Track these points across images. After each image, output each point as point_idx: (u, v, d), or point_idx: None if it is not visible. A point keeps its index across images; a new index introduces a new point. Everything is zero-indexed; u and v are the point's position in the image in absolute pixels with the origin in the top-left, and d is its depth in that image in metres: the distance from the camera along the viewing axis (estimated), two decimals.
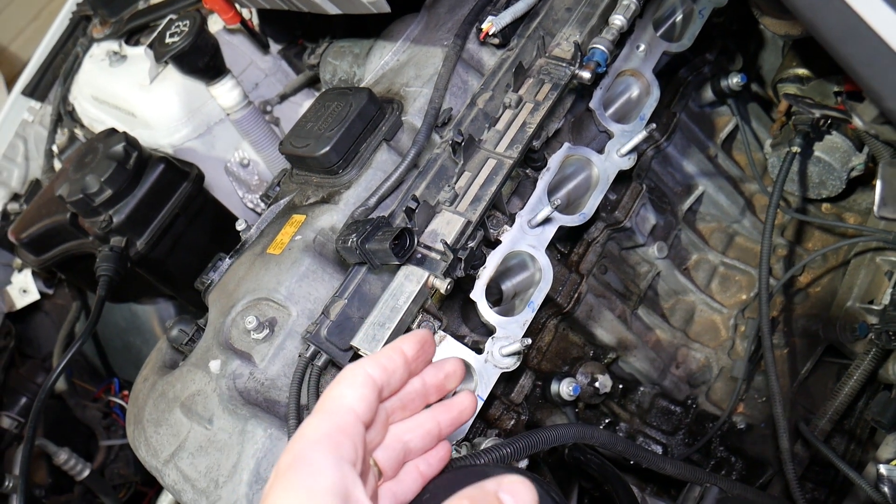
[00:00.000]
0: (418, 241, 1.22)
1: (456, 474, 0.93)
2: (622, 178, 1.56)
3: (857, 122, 1.39)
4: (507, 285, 1.45)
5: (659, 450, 1.68)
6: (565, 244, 1.62)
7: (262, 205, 2.10)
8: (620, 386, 1.70)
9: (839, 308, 1.66)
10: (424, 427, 0.88)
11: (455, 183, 1.29)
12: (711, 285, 1.84)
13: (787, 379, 1.72)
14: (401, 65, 1.53)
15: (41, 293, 2.25)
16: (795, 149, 1.63)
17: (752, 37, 1.91)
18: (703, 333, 1.80)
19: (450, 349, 1.26)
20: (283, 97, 2.14)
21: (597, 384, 1.57)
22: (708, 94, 1.81)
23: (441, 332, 1.28)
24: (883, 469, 1.32)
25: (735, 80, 1.75)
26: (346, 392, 0.78)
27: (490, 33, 1.42)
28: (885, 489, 1.30)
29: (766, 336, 1.58)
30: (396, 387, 0.84)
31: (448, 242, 1.19)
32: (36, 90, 2.34)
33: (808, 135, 1.65)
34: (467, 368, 1.26)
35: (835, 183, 1.74)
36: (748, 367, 1.71)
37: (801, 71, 1.69)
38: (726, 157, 1.88)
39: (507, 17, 1.41)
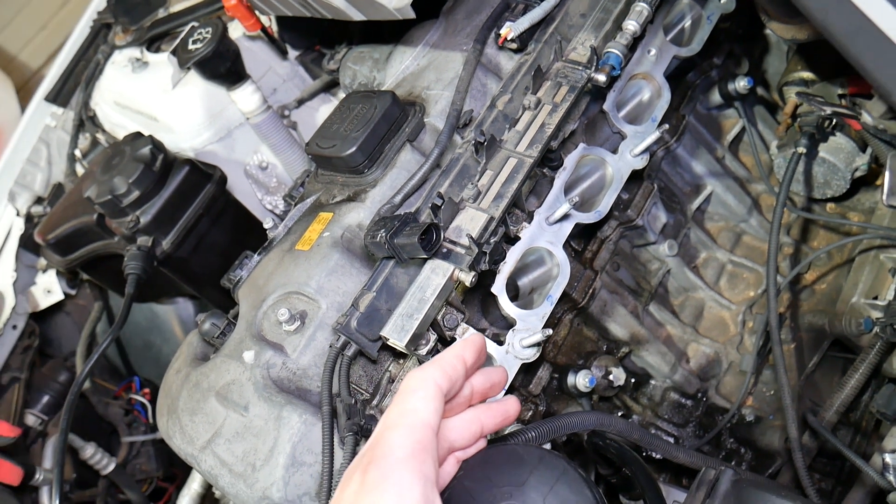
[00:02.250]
0: (444, 236, 1.28)
1: (487, 452, 0.98)
2: (633, 178, 1.62)
3: (865, 118, 1.44)
4: (524, 281, 1.51)
5: (670, 441, 1.73)
6: (579, 242, 1.67)
7: (281, 206, 2.16)
8: (633, 380, 1.75)
9: (844, 304, 1.71)
10: (470, 429, 0.94)
11: (478, 181, 1.35)
12: (720, 282, 1.89)
13: (795, 373, 1.77)
14: (421, 69, 1.59)
15: (64, 294, 2.30)
16: (801, 149, 1.69)
17: (757, 41, 1.97)
18: (713, 329, 1.86)
19: None
20: (301, 102, 2.20)
21: (611, 377, 1.62)
22: (715, 97, 1.87)
23: (464, 325, 1.34)
24: (889, 458, 1.36)
25: (742, 84, 1.81)
26: (421, 406, 0.84)
27: (508, 38, 1.48)
28: (891, 478, 1.34)
29: (775, 330, 1.63)
30: (455, 393, 0.91)
31: (473, 237, 1.24)
32: (58, 96, 2.39)
33: (813, 136, 1.71)
34: (488, 360, 1.31)
35: (839, 183, 1.80)
36: (757, 361, 1.76)
37: (806, 74, 1.75)
38: (733, 158, 1.94)
39: (524, 22, 1.47)
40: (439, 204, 1.28)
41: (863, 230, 1.78)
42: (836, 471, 1.69)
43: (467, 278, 1.25)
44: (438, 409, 0.84)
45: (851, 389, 1.58)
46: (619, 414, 1.74)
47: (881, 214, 1.81)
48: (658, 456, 1.57)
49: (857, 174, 1.78)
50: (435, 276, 1.26)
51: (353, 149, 1.39)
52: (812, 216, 1.88)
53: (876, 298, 1.68)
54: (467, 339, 0.94)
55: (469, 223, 1.30)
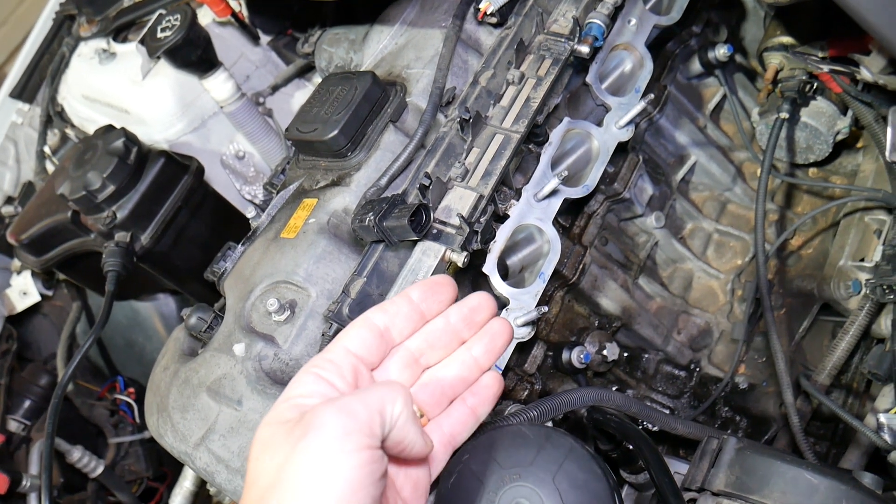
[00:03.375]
0: (433, 217, 1.25)
1: (491, 435, 0.97)
2: (618, 151, 1.60)
3: (865, 74, 1.44)
4: (513, 260, 1.49)
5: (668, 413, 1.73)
6: (566, 218, 1.66)
7: (261, 195, 2.12)
8: (626, 354, 1.74)
9: (832, 267, 1.71)
10: (457, 358, 0.92)
11: (465, 159, 1.32)
12: (707, 252, 1.89)
13: (785, 338, 1.78)
14: (399, 48, 1.56)
15: (41, 295, 2.24)
16: (784, 115, 1.68)
17: (733, 8, 1.95)
18: (702, 299, 1.86)
19: None
20: (275, 88, 2.15)
21: (604, 352, 1.61)
22: (695, 66, 1.86)
23: None
24: (883, 418, 1.37)
25: (722, 51, 1.80)
26: (343, 335, 0.86)
27: (488, 13, 1.45)
28: (886, 437, 1.35)
29: (766, 297, 1.63)
30: (405, 327, 0.89)
31: (464, 216, 1.22)
32: (23, 92, 2.32)
33: (794, 101, 1.71)
34: None
35: (821, 147, 1.80)
36: (748, 328, 1.77)
37: (786, 39, 1.74)
38: (715, 127, 1.93)
39: None
40: (427, 184, 1.25)
41: (846, 193, 1.79)
42: (829, 433, 1.70)
43: (459, 259, 1.23)
44: (362, 335, 0.86)
45: (843, 352, 1.59)
46: (614, 389, 1.74)
47: (864, 176, 1.82)
48: (655, 428, 1.57)
49: (839, 137, 1.78)
50: (426, 258, 1.24)
51: (335, 132, 1.36)
52: (796, 181, 1.89)
53: (863, 260, 1.69)
54: (421, 280, 0.92)
55: (458, 202, 1.27)
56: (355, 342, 0.85)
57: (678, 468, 1.48)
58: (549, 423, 1.23)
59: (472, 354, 0.93)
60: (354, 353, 0.85)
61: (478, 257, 1.34)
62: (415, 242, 1.26)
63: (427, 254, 1.24)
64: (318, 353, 0.86)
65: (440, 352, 0.90)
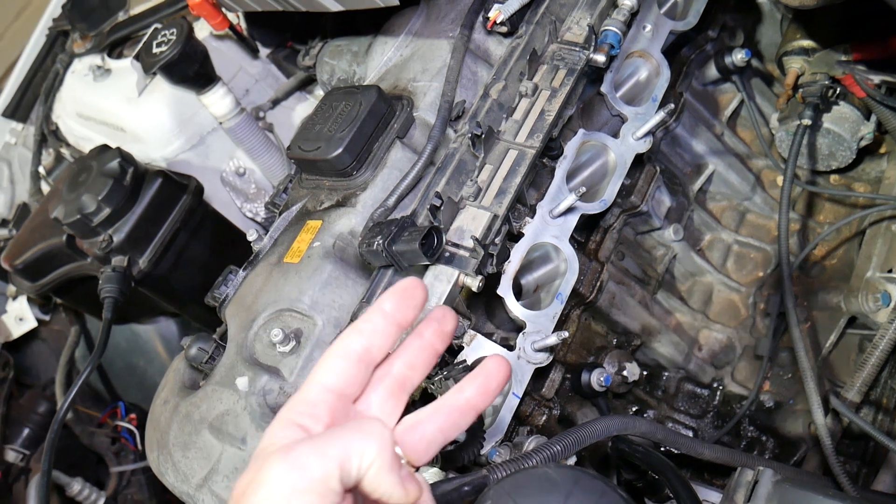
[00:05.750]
0: (446, 240, 1.19)
1: (516, 478, 0.89)
2: (634, 163, 1.53)
3: None
4: (528, 279, 1.42)
5: (689, 434, 1.66)
6: (581, 233, 1.59)
7: (262, 213, 2.06)
8: (645, 372, 1.67)
9: (859, 279, 1.64)
10: (448, 403, 0.83)
11: (477, 177, 1.25)
12: (727, 264, 1.82)
13: (811, 353, 1.71)
14: (405, 60, 1.49)
15: (38, 320, 2.18)
16: (806, 121, 1.62)
17: (749, 12, 1.89)
18: (723, 313, 1.78)
19: (482, 349, 1.23)
20: (276, 102, 2.09)
21: (625, 372, 1.54)
22: (711, 71, 1.79)
23: (471, 332, 1.25)
24: None
25: (739, 56, 1.73)
26: (318, 368, 0.79)
27: (498, 21, 1.38)
28: None
29: (791, 311, 1.56)
30: (383, 343, 0.81)
31: (477, 238, 1.15)
32: (17, 111, 2.26)
33: (817, 107, 1.64)
34: None
35: (845, 153, 1.73)
36: (773, 344, 1.69)
37: (806, 42, 1.68)
38: (732, 134, 1.86)
39: (514, 4, 1.37)
40: (438, 205, 1.18)
41: (872, 201, 1.72)
42: (860, 452, 1.63)
43: (474, 283, 1.16)
44: (340, 368, 0.78)
45: (873, 367, 1.52)
46: (634, 409, 1.67)
47: (889, 183, 1.75)
48: (677, 451, 1.50)
49: (863, 143, 1.72)
50: (439, 284, 1.17)
51: (340, 150, 1.29)
52: (820, 190, 1.82)
53: (891, 271, 1.62)
54: (390, 289, 0.84)
55: (471, 223, 1.21)
56: (331, 376, 0.78)
57: (707, 496, 1.42)
58: (573, 459, 1.16)
59: (464, 396, 0.85)
60: (331, 388, 0.78)
61: (491, 278, 1.28)
62: (426, 266, 1.20)
63: (440, 279, 1.17)
64: (293, 394, 0.80)
65: (420, 371, 0.84)
